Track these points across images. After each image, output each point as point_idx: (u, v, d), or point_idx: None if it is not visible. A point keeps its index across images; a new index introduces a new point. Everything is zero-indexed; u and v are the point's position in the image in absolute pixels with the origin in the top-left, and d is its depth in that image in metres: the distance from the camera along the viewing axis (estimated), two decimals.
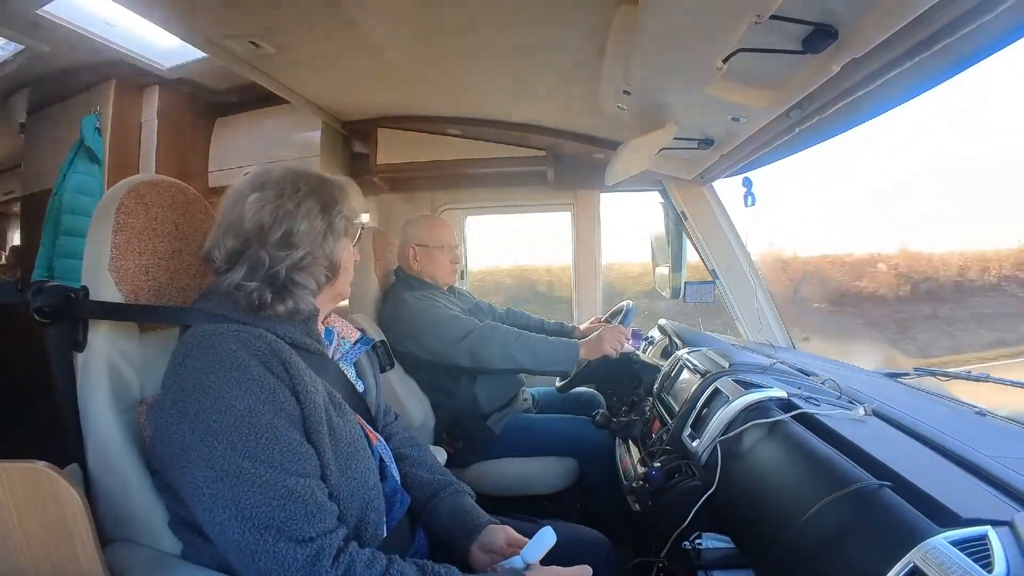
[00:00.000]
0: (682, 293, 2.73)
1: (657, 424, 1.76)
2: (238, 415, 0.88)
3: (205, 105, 3.24)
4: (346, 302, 2.31)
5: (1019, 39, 1.12)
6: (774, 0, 0.96)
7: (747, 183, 2.27)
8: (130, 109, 3.00)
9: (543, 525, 1.12)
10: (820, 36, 1.11)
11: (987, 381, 1.50)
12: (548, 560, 1.08)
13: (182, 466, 0.89)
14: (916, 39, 1.11)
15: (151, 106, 3.04)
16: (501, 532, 1.19)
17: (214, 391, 0.89)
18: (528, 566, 1.07)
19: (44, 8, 2.16)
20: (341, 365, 1.21)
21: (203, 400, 0.89)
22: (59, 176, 2.82)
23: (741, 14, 1.03)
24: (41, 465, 0.92)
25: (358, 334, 1.30)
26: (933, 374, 1.74)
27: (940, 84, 1.33)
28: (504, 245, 4.16)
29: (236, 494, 0.85)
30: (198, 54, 2.50)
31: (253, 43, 1.93)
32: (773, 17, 1.01)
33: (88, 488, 1.01)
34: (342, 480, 0.97)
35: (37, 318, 1.00)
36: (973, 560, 0.68)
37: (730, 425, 1.32)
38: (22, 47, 2.50)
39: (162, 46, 2.63)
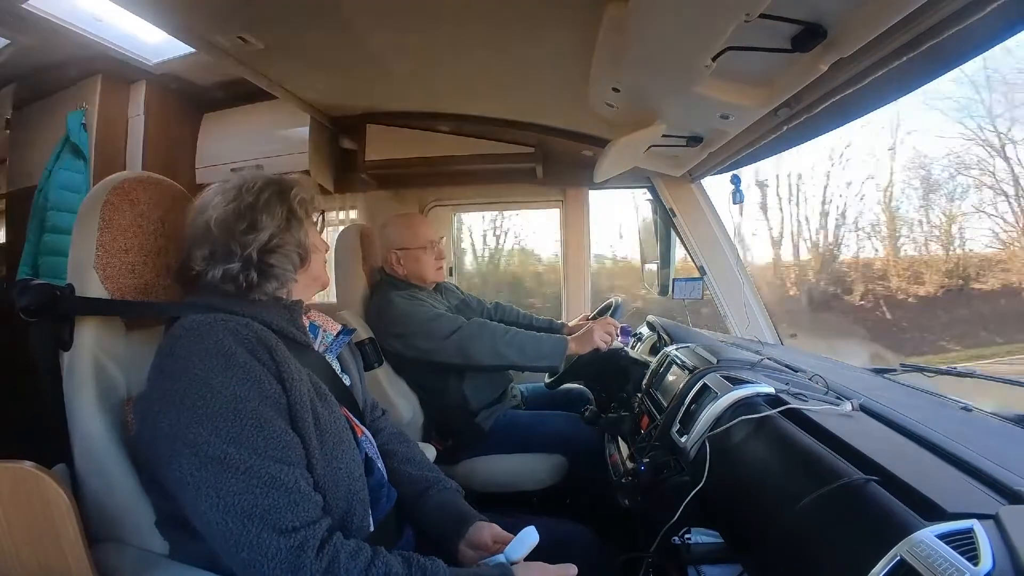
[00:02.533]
0: (670, 289, 2.74)
1: (646, 420, 1.76)
2: (224, 401, 0.88)
3: (192, 101, 3.20)
4: (335, 299, 2.31)
5: (1004, 40, 1.13)
6: None
7: (735, 180, 2.28)
8: (117, 105, 2.97)
9: (529, 523, 1.13)
10: (809, 35, 1.11)
11: (973, 377, 1.51)
12: (537, 555, 1.09)
13: (168, 455, 0.90)
14: (904, 39, 1.12)
15: (138, 102, 3.01)
16: (487, 529, 1.20)
17: (200, 378, 0.90)
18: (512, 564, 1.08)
19: (30, 2, 2.13)
20: (326, 357, 1.22)
21: (189, 387, 0.89)
22: (44, 173, 2.80)
23: (730, 12, 1.03)
24: (27, 465, 0.91)
25: (339, 326, 1.31)
26: (920, 370, 1.75)
27: (926, 84, 1.34)
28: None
29: (219, 482, 0.85)
30: (186, 49, 2.48)
31: (241, 38, 1.91)
32: (762, 16, 1.02)
33: (75, 488, 1.01)
34: (327, 471, 0.97)
35: (23, 317, 1.00)
36: (959, 553, 0.68)
37: (718, 421, 1.32)
38: (8, 42, 2.47)
39: (149, 41, 2.61)
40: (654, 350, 2.38)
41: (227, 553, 0.86)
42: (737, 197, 2.30)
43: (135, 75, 2.93)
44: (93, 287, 1.04)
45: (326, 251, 1.27)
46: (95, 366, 1.04)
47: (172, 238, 1.16)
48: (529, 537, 1.10)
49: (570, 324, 2.64)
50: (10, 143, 3.23)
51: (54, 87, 2.99)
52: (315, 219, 1.24)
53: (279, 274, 1.10)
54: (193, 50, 2.12)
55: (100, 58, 2.67)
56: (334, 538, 0.90)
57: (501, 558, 1.09)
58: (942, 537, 0.71)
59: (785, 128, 1.63)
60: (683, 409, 1.49)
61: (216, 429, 0.87)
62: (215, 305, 1.04)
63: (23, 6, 2.14)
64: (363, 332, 2.08)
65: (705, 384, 1.47)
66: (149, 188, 1.14)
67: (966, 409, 1.41)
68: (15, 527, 0.91)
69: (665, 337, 2.31)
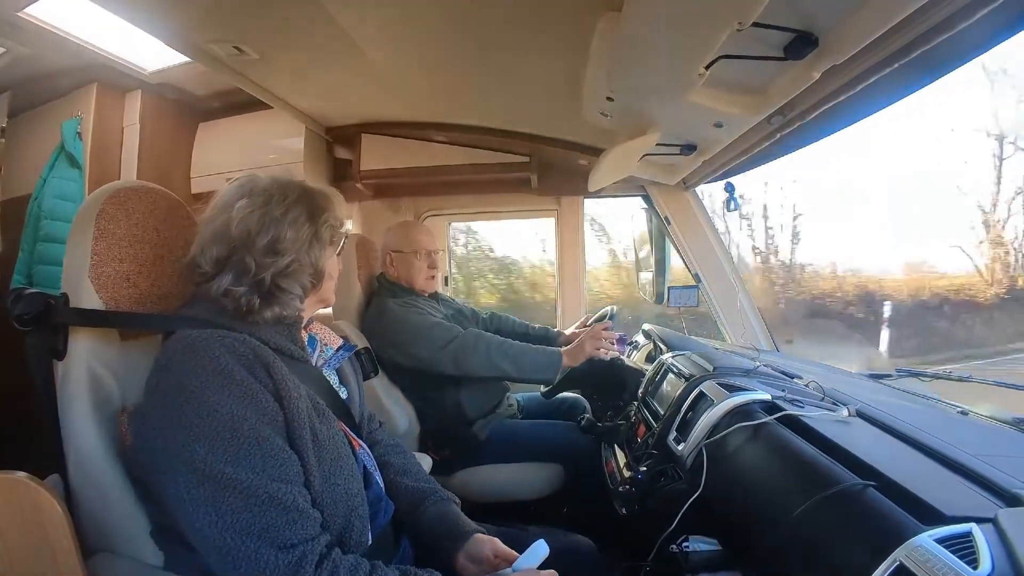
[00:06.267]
0: (666, 297, 2.74)
1: (642, 428, 1.76)
2: (221, 420, 0.87)
3: (188, 110, 3.20)
4: (329, 309, 2.30)
5: (995, 46, 1.14)
6: (756, 7, 0.96)
7: (729, 188, 2.29)
8: (112, 113, 2.96)
9: (530, 532, 1.12)
10: (801, 43, 1.12)
11: (969, 381, 1.52)
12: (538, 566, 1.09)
13: (163, 471, 0.89)
14: (895, 46, 1.13)
15: (133, 111, 2.99)
16: (488, 543, 1.18)
17: (197, 395, 0.89)
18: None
19: (25, 10, 2.13)
20: (324, 372, 1.20)
21: (186, 404, 0.88)
22: (39, 181, 2.79)
23: (723, 21, 1.04)
24: (21, 476, 0.91)
25: (340, 341, 1.29)
26: (916, 375, 1.76)
27: (918, 90, 1.35)
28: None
29: (217, 499, 0.85)
30: (181, 58, 2.49)
31: (236, 48, 1.91)
32: (755, 24, 1.02)
33: (69, 499, 0.99)
34: (325, 487, 0.96)
35: (17, 326, 0.99)
36: (958, 557, 0.68)
37: (715, 428, 1.32)
38: (3, 50, 2.46)
39: (145, 50, 2.60)
40: (650, 358, 2.38)
41: (224, 569, 0.85)
42: (732, 205, 2.30)
43: (131, 84, 2.92)
44: (88, 297, 1.03)
45: (338, 277, 1.25)
46: (89, 376, 1.03)
47: (168, 247, 1.15)
48: (539, 550, 1.10)
49: (567, 332, 2.64)
50: (5, 152, 3.22)
51: (49, 96, 2.98)
52: (338, 246, 1.21)
53: (285, 300, 1.08)
54: (189, 60, 2.13)
55: (96, 67, 2.67)
56: (332, 553, 0.90)
57: (509, 571, 1.08)
58: (941, 541, 0.72)
59: (779, 136, 1.64)
60: (680, 417, 1.49)
61: (213, 448, 0.86)
62: (212, 320, 1.02)
63: (18, 14, 2.13)
64: (359, 342, 2.08)
65: (701, 391, 1.47)
66: (144, 197, 1.13)
67: (963, 413, 1.42)
68: (8, 537, 0.91)
69: (661, 345, 2.31)
